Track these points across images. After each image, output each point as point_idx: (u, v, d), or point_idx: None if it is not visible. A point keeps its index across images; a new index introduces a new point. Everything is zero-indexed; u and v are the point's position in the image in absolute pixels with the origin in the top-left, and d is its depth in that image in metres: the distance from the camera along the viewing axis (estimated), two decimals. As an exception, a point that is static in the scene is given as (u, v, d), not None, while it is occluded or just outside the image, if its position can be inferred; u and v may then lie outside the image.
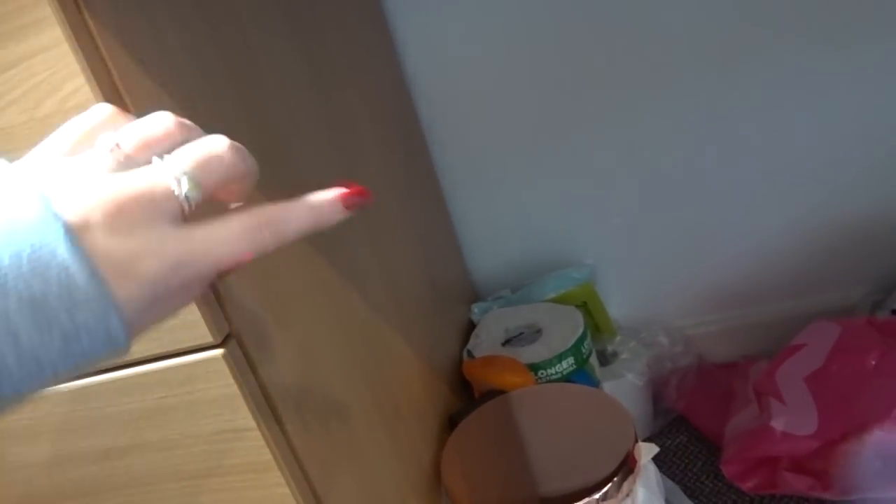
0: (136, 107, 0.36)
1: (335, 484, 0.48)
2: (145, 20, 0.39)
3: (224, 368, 0.40)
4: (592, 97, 0.87)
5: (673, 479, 0.84)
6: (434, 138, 0.93)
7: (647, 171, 0.90)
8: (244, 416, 0.41)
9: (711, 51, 0.82)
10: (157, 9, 0.40)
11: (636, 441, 0.60)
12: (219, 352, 0.39)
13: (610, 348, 0.93)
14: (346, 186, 0.30)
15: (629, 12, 0.82)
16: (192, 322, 0.39)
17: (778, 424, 0.75)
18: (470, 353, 0.83)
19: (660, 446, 0.89)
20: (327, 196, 0.29)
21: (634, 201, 0.93)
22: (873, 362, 0.73)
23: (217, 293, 0.40)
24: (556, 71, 0.86)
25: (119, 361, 0.41)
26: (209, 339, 0.39)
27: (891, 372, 0.71)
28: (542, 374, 0.78)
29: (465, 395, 0.81)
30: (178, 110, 0.31)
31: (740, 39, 0.81)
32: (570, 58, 0.85)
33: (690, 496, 0.81)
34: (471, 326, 0.92)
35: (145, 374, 0.41)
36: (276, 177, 0.49)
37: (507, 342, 0.85)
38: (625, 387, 0.87)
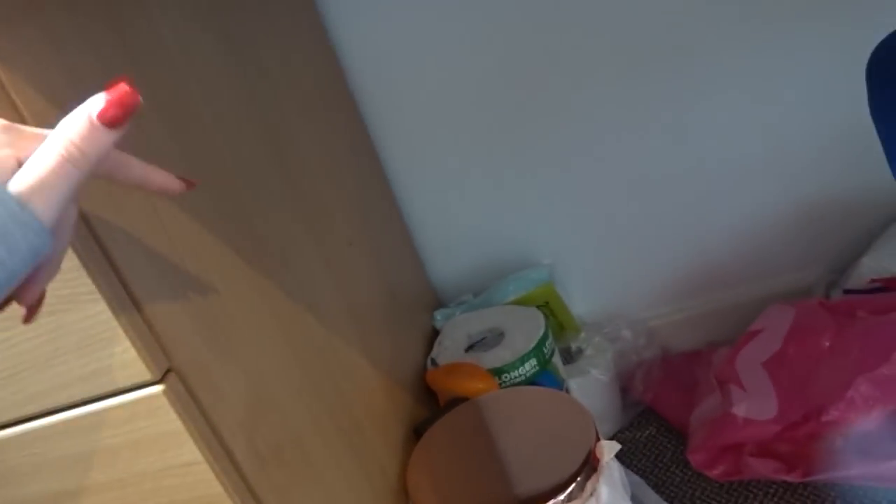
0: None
1: (293, 509, 0.48)
2: (56, 53, 0.38)
3: (165, 404, 0.39)
4: (541, 98, 0.87)
5: (643, 471, 0.85)
6: (384, 148, 0.93)
7: (599, 167, 0.91)
8: (190, 451, 0.40)
9: (657, 45, 0.83)
10: (70, 42, 0.39)
11: (598, 440, 0.60)
12: (159, 388, 0.39)
13: (574, 346, 0.93)
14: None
15: (573, 11, 0.82)
16: (129, 360, 0.38)
17: (739, 411, 0.76)
18: (434, 361, 0.83)
19: (629, 439, 0.91)
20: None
21: (589, 198, 0.93)
22: (827, 343, 0.74)
23: (153, 329, 0.39)
24: (505, 74, 0.87)
25: (59, 404, 0.40)
26: (147, 377, 0.38)
27: (844, 352, 0.72)
28: (505, 377, 0.78)
29: (431, 405, 0.81)
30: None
31: (686, 32, 0.82)
32: (518, 61, 0.86)
33: (661, 487, 0.82)
34: (435, 334, 0.92)
35: (87, 416, 0.40)
36: (214, 198, 0.49)
37: (470, 347, 0.85)
38: (591, 383, 0.88)
